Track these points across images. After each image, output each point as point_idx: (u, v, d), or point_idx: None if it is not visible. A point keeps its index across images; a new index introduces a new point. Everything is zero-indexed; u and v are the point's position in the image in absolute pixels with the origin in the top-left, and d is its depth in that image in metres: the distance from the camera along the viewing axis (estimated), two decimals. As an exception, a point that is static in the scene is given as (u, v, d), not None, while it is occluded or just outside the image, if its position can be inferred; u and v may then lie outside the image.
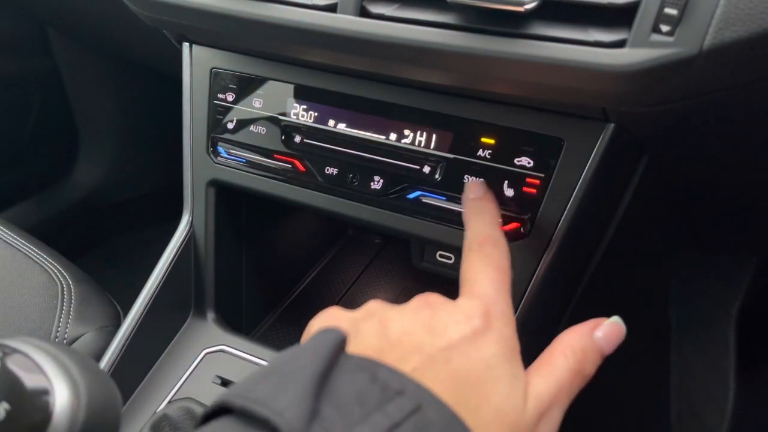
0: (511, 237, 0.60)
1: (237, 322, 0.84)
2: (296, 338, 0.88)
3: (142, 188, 1.66)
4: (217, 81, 0.72)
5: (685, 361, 1.15)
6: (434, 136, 0.62)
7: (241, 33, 0.60)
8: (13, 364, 0.36)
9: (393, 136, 0.63)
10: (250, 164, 0.71)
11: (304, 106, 0.67)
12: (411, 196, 0.64)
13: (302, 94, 0.68)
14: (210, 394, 0.69)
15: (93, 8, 1.06)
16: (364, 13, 0.53)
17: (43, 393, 0.36)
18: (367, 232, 1.08)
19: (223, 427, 0.32)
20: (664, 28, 0.43)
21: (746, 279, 1.10)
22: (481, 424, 0.35)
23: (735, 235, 0.97)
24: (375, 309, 0.42)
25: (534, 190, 0.58)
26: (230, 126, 0.72)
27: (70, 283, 0.84)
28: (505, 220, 0.59)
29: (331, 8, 0.54)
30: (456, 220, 0.62)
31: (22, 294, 0.81)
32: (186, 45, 0.73)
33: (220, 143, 0.73)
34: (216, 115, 0.73)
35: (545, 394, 0.39)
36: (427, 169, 0.63)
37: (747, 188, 0.73)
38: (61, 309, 0.81)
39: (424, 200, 0.63)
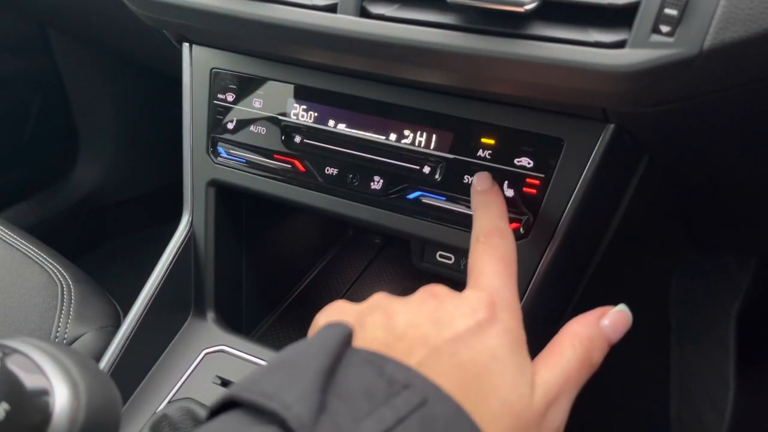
0: (511, 237, 0.60)
1: (237, 323, 0.84)
2: (296, 338, 0.88)
3: (141, 188, 1.66)
4: (217, 81, 0.72)
5: (684, 361, 1.15)
6: (434, 136, 0.62)
7: (241, 33, 0.60)
8: (13, 365, 0.36)
9: (393, 137, 0.63)
10: (250, 164, 0.71)
11: (304, 107, 0.67)
12: (411, 196, 0.64)
13: (302, 95, 0.68)
14: (210, 395, 0.69)
15: (93, 8, 1.06)
16: (364, 13, 0.53)
17: (43, 393, 0.36)
18: (367, 233, 1.08)
19: (231, 420, 0.32)
20: (664, 28, 0.43)
21: (746, 279, 1.10)
22: (487, 415, 0.35)
23: (735, 236, 0.97)
24: (380, 301, 0.43)
25: (534, 191, 0.58)
26: (230, 126, 0.72)
27: (70, 283, 0.84)
28: (505, 221, 0.59)
29: (331, 8, 0.54)
30: (456, 221, 0.62)
31: (22, 294, 0.81)
32: (186, 45, 0.73)
33: (220, 143, 0.73)
34: (216, 115, 0.73)
35: (553, 384, 0.39)
36: (427, 170, 0.63)
37: (747, 188, 0.73)
38: (61, 309, 0.81)
39: (424, 200, 0.63)
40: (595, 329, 0.43)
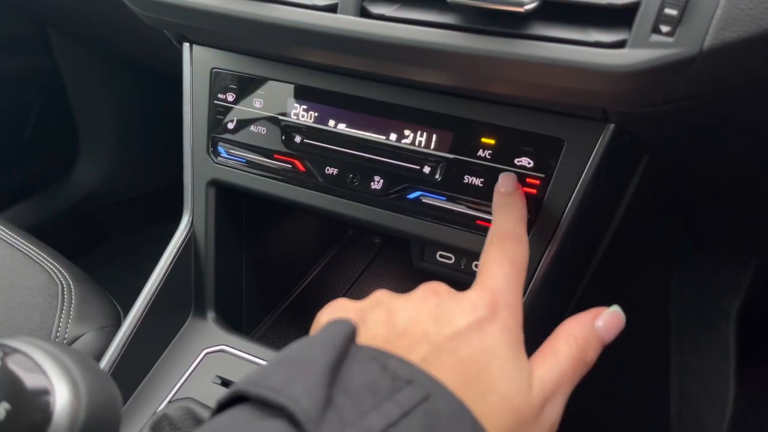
0: (511, 237, 0.60)
1: (237, 322, 0.84)
2: (296, 338, 0.87)
3: (142, 188, 1.66)
4: (217, 81, 0.72)
5: (684, 361, 1.15)
6: (434, 136, 0.62)
7: (241, 33, 0.60)
8: (14, 364, 0.36)
9: (393, 137, 0.64)
10: (251, 164, 0.72)
11: (305, 107, 0.67)
12: (411, 196, 0.64)
13: (302, 95, 0.68)
14: (210, 394, 0.69)
15: (93, 8, 1.06)
16: (364, 13, 0.53)
17: (44, 393, 0.36)
18: (367, 233, 1.08)
19: (239, 414, 0.33)
20: (664, 28, 0.43)
21: (746, 279, 1.10)
22: (487, 410, 0.36)
23: (735, 236, 0.97)
24: (381, 298, 0.43)
25: (534, 191, 0.58)
26: (230, 126, 0.72)
27: (71, 283, 0.84)
28: (505, 221, 0.59)
29: (332, 8, 0.54)
30: (456, 220, 0.62)
31: (22, 294, 0.82)
32: (186, 45, 0.73)
33: (220, 143, 0.73)
34: (216, 115, 0.73)
35: (549, 381, 0.40)
36: (427, 170, 0.63)
37: (747, 188, 0.73)
38: (62, 309, 0.81)
39: (424, 200, 0.63)
40: (590, 329, 0.44)
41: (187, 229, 0.77)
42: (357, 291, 0.99)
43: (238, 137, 0.72)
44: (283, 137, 0.69)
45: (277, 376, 0.33)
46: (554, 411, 0.40)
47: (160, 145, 1.57)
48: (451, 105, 0.60)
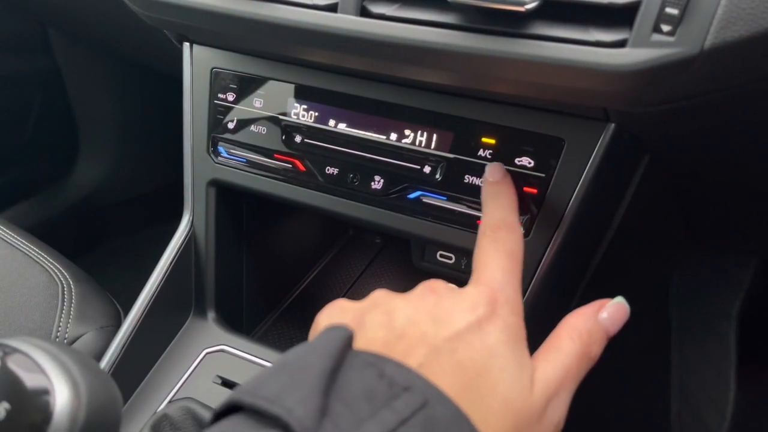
0: (511, 237, 0.60)
1: (237, 322, 0.84)
2: (296, 338, 0.88)
3: (142, 188, 1.66)
4: (217, 81, 0.72)
5: (685, 361, 1.15)
6: (435, 136, 0.62)
7: (241, 33, 0.60)
8: (14, 364, 0.36)
9: (393, 136, 0.63)
10: (251, 164, 0.71)
11: (305, 106, 0.67)
12: (411, 196, 0.64)
13: (303, 94, 0.67)
14: (210, 394, 0.69)
15: (93, 8, 1.06)
16: (364, 12, 0.53)
17: (44, 393, 0.36)
18: (367, 232, 1.08)
19: (234, 424, 0.32)
20: (665, 27, 0.43)
21: (747, 279, 1.10)
22: (488, 413, 0.36)
23: (735, 236, 0.97)
24: (380, 299, 0.43)
25: (535, 190, 0.58)
26: (231, 126, 0.72)
27: (71, 282, 0.84)
28: (506, 220, 0.59)
29: (332, 8, 0.54)
30: (457, 220, 0.62)
31: (22, 294, 0.81)
32: (186, 45, 0.73)
33: (220, 143, 0.73)
34: (216, 114, 0.73)
35: (552, 379, 0.39)
36: (427, 169, 0.63)
37: (748, 188, 0.73)
38: (62, 309, 0.81)
39: (424, 200, 0.63)
40: (594, 322, 0.43)
41: (188, 228, 0.77)
42: (357, 291, 0.99)
43: (238, 137, 0.72)
44: (284, 137, 0.69)
45: (273, 385, 0.33)
46: (558, 410, 0.39)
47: (161, 144, 1.57)
48: (451, 105, 0.60)
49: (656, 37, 0.44)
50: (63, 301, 0.81)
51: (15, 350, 0.37)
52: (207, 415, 0.64)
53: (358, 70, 0.63)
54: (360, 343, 0.38)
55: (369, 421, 0.31)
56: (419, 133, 0.62)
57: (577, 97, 0.51)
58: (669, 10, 0.43)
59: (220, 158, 0.73)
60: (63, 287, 0.83)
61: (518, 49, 0.47)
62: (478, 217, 0.61)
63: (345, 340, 0.36)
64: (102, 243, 1.62)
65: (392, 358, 0.35)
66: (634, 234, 0.74)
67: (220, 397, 0.68)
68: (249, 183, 0.72)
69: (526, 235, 0.59)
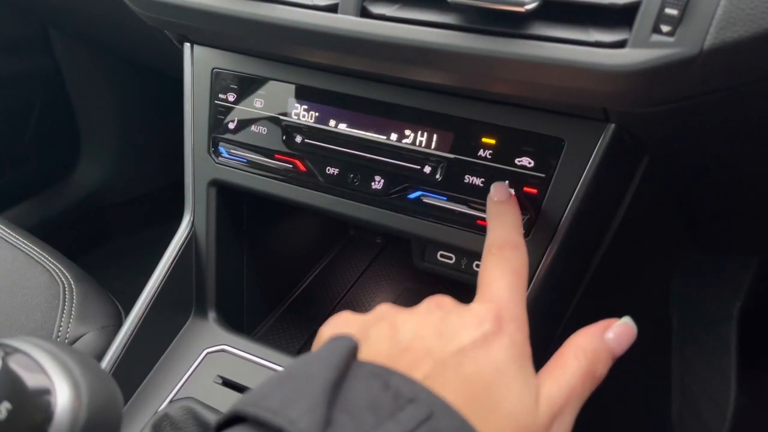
0: (511, 237, 0.60)
1: (238, 322, 0.84)
2: (297, 338, 0.88)
3: (143, 188, 1.66)
4: (218, 81, 0.72)
5: (686, 361, 1.15)
6: (435, 136, 0.62)
7: (241, 33, 0.60)
8: (15, 364, 0.36)
9: (394, 136, 0.64)
10: (251, 164, 0.72)
11: (305, 107, 0.67)
12: (412, 196, 0.64)
13: (303, 95, 0.68)
14: (211, 394, 0.69)
15: (94, 8, 1.06)
16: (364, 13, 0.53)
17: (45, 393, 0.36)
18: (368, 232, 1.08)
19: None
20: (665, 28, 0.43)
21: (747, 279, 1.10)
22: (493, 429, 0.35)
23: (736, 236, 0.97)
24: (385, 312, 0.42)
25: (535, 191, 0.58)
26: (231, 126, 0.72)
27: (72, 282, 0.84)
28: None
29: (332, 9, 0.54)
30: (457, 220, 0.62)
31: (23, 294, 0.82)
32: (187, 45, 0.74)
33: (221, 143, 0.73)
34: (217, 115, 0.73)
35: (557, 398, 0.39)
36: (428, 169, 0.63)
37: (748, 189, 0.73)
38: (63, 309, 0.81)
39: (425, 200, 0.63)
40: (600, 342, 0.43)
41: (188, 229, 0.77)
42: (358, 291, 0.99)
43: (239, 137, 0.72)
44: (284, 137, 0.69)
45: (276, 395, 0.33)
46: (563, 428, 0.39)
47: (162, 144, 1.57)
48: (451, 105, 0.60)
49: (656, 37, 0.44)
50: (64, 301, 0.81)
51: (16, 350, 0.37)
52: (208, 415, 0.64)
53: (358, 71, 0.63)
54: (364, 356, 0.38)
55: None
56: (419, 133, 0.62)
57: (577, 97, 0.51)
58: (668, 10, 0.43)
59: (220, 158, 0.73)
60: (64, 287, 0.83)
61: (518, 49, 0.47)
62: (479, 218, 0.61)
63: (349, 350, 0.36)
64: (103, 243, 1.62)
65: (397, 370, 0.35)
66: (634, 234, 0.74)
67: (221, 397, 0.69)
68: (249, 183, 0.72)
69: (526, 235, 0.59)
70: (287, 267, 0.96)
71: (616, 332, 0.44)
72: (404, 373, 0.35)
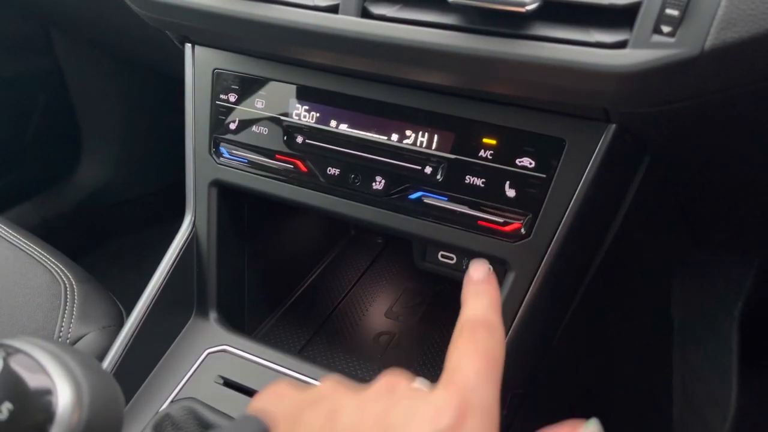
0: (512, 238, 0.60)
1: (239, 322, 0.84)
2: (299, 338, 0.88)
3: (144, 188, 1.66)
4: (219, 81, 0.72)
5: (687, 361, 1.15)
6: (436, 136, 0.62)
7: (242, 34, 0.60)
8: (16, 364, 0.36)
9: (395, 137, 0.64)
10: (252, 165, 0.72)
11: (306, 107, 0.68)
12: (413, 196, 0.64)
13: (304, 95, 0.68)
14: (212, 394, 0.69)
15: (95, 9, 1.06)
16: (365, 14, 0.53)
17: (46, 393, 0.36)
18: (369, 233, 1.08)
19: None
20: (666, 28, 0.43)
21: (749, 279, 1.10)
22: None
23: (738, 236, 0.97)
24: (327, 393, 0.38)
25: (536, 191, 0.58)
26: (232, 126, 0.72)
27: (73, 283, 0.84)
28: (507, 221, 0.59)
29: (333, 9, 0.54)
30: (458, 221, 0.62)
31: (25, 294, 0.82)
32: (188, 45, 0.74)
33: (222, 144, 0.73)
34: (218, 115, 0.73)
35: None
36: (428, 170, 0.63)
37: (749, 188, 0.73)
38: (64, 309, 0.81)
39: (426, 201, 0.63)
40: None
41: (190, 229, 0.77)
42: (359, 291, 0.99)
43: (240, 138, 0.72)
44: (285, 138, 0.69)
45: None
46: None
47: (163, 145, 1.57)
48: (452, 105, 0.60)
49: (656, 38, 0.44)
50: (65, 301, 0.82)
51: (18, 350, 0.38)
52: (209, 415, 0.64)
53: (359, 71, 0.63)
54: None
55: None
56: (420, 133, 0.62)
57: (578, 97, 0.51)
58: (669, 11, 0.43)
59: (221, 159, 0.73)
60: (66, 287, 0.83)
61: (519, 50, 0.47)
62: (480, 218, 0.61)
63: None
64: (104, 243, 1.62)
65: None
66: (635, 234, 0.74)
67: (222, 397, 0.69)
68: (250, 183, 0.72)
69: (527, 235, 0.59)
70: (288, 267, 0.96)
71: None
72: None
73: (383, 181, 0.65)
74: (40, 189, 1.51)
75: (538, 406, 0.77)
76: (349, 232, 1.09)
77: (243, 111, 0.71)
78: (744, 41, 0.42)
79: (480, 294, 0.46)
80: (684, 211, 0.82)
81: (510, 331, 0.61)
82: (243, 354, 0.74)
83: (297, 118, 0.68)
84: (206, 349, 0.75)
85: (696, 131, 0.57)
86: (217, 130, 0.73)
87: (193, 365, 0.73)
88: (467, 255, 0.70)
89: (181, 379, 0.72)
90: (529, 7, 0.46)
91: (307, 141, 0.68)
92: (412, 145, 0.63)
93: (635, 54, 0.44)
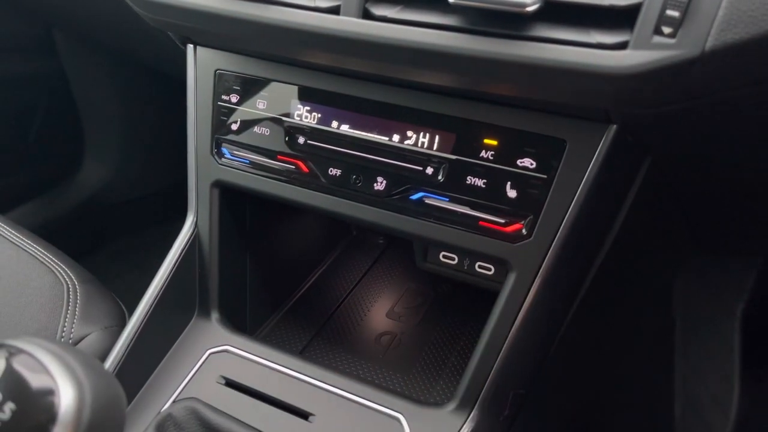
0: (513, 238, 0.60)
1: (241, 323, 0.84)
2: (300, 338, 0.88)
3: (146, 189, 1.67)
4: (221, 82, 0.72)
5: (689, 361, 1.15)
6: (437, 137, 0.62)
7: (244, 35, 0.60)
8: (19, 365, 0.36)
9: (396, 138, 0.64)
10: (254, 165, 0.72)
11: (308, 108, 0.68)
12: (414, 197, 0.64)
13: (306, 96, 0.68)
14: (214, 394, 0.70)
15: (98, 10, 1.07)
16: (366, 15, 0.53)
17: (49, 393, 0.36)
18: (370, 233, 1.08)
19: None
20: (666, 29, 0.43)
21: (750, 279, 1.10)
22: None
23: (739, 237, 0.97)
24: None
25: (537, 191, 0.58)
26: (234, 127, 0.72)
27: (76, 283, 0.84)
28: (508, 222, 0.60)
29: (334, 10, 0.54)
30: (459, 221, 0.62)
31: (28, 294, 0.82)
32: (190, 47, 0.74)
33: (224, 144, 0.73)
34: (220, 116, 0.73)
35: None
36: (430, 170, 0.63)
37: (750, 189, 0.73)
38: (67, 309, 0.81)
39: (427, 201, 0.63)
40: None
41: (191, 229, 0.77)
42: (361, 291, 0.99)
43: (241, 138, 0.72)
44: (287, 138, 0.69)
45: None
46: None
47: (165, 145, 1.58)
48: (453, 106, 0.60)
49: (657, 39, 0.44)
50: (68, 301, 0.82)
51: (20, 351, 0.38)
52: (211, 415, 0.64)
53: (360, 72, 0.63)
54: None
55: None
56: (421, 134, 0.62)
57: (579, 98, 0.51)
58: (670, 12, 0.43)
59: (223, 159, 0.74)
60: (68, 288, 0.83)
61: (520, 51, 0.47)
62: (481, 219, 0.61)
63: None
64: (106, 244, 1.63)
65: None
66: (636, 234, 0.74)
67: (223, 397, 0.69)
68: (252, 184, 0.73)
69: (528, 235, 0.59)
70: (290, 267, 0.96)
71: None
72: None
73: (384, 181, 0.65)
74: (43, 190, 1.51)
75: (540, 406, 0.77)
76: (350, 233, 1.09)
77: (245, 112, 0.71)
78: (744, 42, 0.42)
79: None
80: (685, 211, 0.82)
81: (511, 332, 0.61)
82: (245, 354, 0.74)
83: (298, 118, 0.68)
84: (208, 350, 0.75)
85: (697, 132, 0.57)
86: (218, 130, 0.73)
87: (194, 365, 0.73)
88: (468, 255, 0.70)
89: (183, 379, 0.72)
90: (530, 8, 0.46)
91: (308, 142, 0.68)
92: (413, 145, 0.63)
93: (636, 55, 0.44)
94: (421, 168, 0.63)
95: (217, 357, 0.74)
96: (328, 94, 0.66)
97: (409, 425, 0.64)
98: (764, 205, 0.77)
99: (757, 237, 0.95)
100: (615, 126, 0.54)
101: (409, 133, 0.63)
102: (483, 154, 0.60)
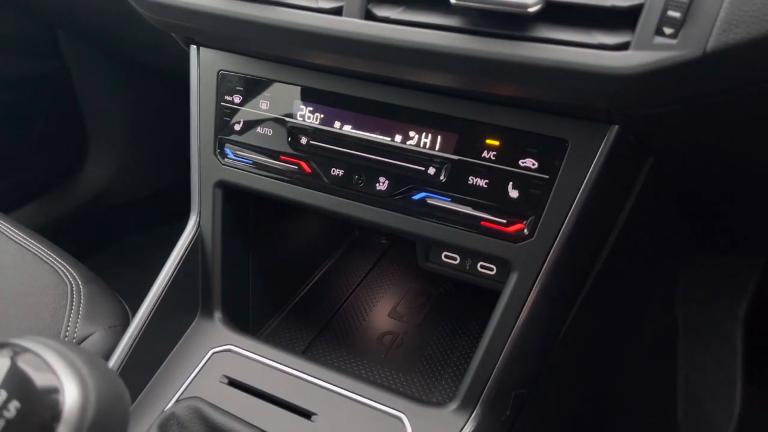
0: (515, 238, 0.60)
1: (244, 322, 0.84)
2: (303, 338, 0.88)
3: (150, 189, 1.67)
4: (224, 83, 0.72)
5: (691, 362, 1.15)
6: (439, 137, 0.62)
7: (247, 36, 0.61)
8: (24, 363, 0.36)
9: (398, 138, 0.64)
10: (257, 165, 0.72)
11: (311, 108, 0.68)
12: (416, 197, 0.64)
13: (308, 96, 0.68)
14: (217, 394, 0.70)
15: (101, 11, 1.07)
16: (369, 16, 0.53)
17: (53, 391, 0.36)
18: (373, 233, 1.08)
19: None
20: (668, 30, 0.43)
21: (753, 280, 1.10)
22: None
23: (741, 237, 0.97)
24: None
25: (538, 191, 0.58)
26: (237, 127, 0.72)
27: (80, 283, 0.84)
28: (510, 222, 0.60)
29: (337, 11, 0.54)
30: (461, 221, 0.62)
31: (32, 294, 0.82)
32: (193, 47, 0.74)
33: (227, 145, 0.73)
34: (223, 116, 0.73)
35: None
36: (432, 171, 0.63)
37: (752, 189, 0.73)
38: (71, 308, 0.81)
39: (429, 201, 0.63)
40: None
41: (195, 229, 0.78)
42: (363, 291, 0.99)
43: (244, 139, 0.72)
44: (289, 139, 0.70)
45: None
46: None
47: (168, 145, 1.58)
48: (455, 106, 0.61)
49: (659, 39, 0.44)
50: (72, 301, 0.82)
51: (25, 350, 0.38)
52: (214, 415, 0.65)
53: (363, 73, 0.63)
54: None
55: None
56: (424, 134, 0.63)
57: (581, 99, 0.52)
58: (671, 12, 0.43)
59: (226, 160, 0.74)
60: (72, 287, 0.84)
61: (522, 51, 0.48)
62: (483, 219, 0.61)
63: None
64: (110, 243, 1.63)
65: None
66: (638, 235, 0.74)
67: (226, 396, 0.69)
68: (255, 184, 0.73)
69: (530, 235, 0.59)
70: (292, 267, 0.96)
71: None
72: None
73: (387, 181, 0.65)
74: (47, 189, 1.51)
75: (541, 406, 0.78)
76: (353, 233, 1.09)
77: (248, 112, 0.71)
78: (746, 42, 0.42)
79: None
80: (687, 211, 0.82)
81: (513, 332, 0.61)
82: (248, 354, 0.74)
83: (301, 119, 0.68)
84: (211, 349, 0.75)
85: (698, 132, 0.57)
86: (222, 131, 0.74)
87: (198, 365, 0.74)
88: (471, 255, 0.70)
89: (186, 379, 0.72)
90: (532, 9, 0.46)
91: (311, 142, 0.69)
92: (415, 146, 0.63)
93: (637, 56, 0.44)
94: (423, 168, 0.63)
95: (220, 356, 0.74)
96: (330, 95, 0.67)
97: (411, 425, 0.64)
98: (766, 205, 0.77)
99: (760, 237, 0.95)
100: (617, 126, 0.54)
101: (411, 134, 0.63)
102: (485, 154, 0.60)
